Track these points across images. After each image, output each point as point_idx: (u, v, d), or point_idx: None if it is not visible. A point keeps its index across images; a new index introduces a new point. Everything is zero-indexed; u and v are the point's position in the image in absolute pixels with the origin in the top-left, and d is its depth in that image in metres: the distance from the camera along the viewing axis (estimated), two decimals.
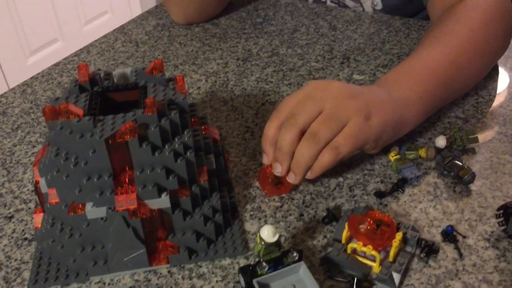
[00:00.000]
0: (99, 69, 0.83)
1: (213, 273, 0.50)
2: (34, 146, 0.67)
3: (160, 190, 0.48)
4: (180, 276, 0.50)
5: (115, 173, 0.48)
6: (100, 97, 0.52)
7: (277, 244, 0.46)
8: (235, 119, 0.71)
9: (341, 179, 0.61)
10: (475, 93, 0.73)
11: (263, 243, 0.45)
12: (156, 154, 0.48)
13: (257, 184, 0.60)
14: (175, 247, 0.50)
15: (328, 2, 1.00)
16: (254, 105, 0.74)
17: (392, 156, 0.62)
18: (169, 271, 0.50)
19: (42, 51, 2.45)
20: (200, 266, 0.51)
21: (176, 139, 0.49)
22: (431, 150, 0.62)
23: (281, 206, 0.57)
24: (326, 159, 0.54)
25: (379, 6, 0.93)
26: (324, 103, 0.55)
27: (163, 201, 0.48)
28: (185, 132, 0.50)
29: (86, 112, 0.48)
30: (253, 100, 0.75)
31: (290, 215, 0.56)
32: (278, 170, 0.56)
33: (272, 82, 0.78)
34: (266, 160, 0.58)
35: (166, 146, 0.48)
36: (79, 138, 0.46)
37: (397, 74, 0.63)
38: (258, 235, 0.46)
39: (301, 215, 0.56)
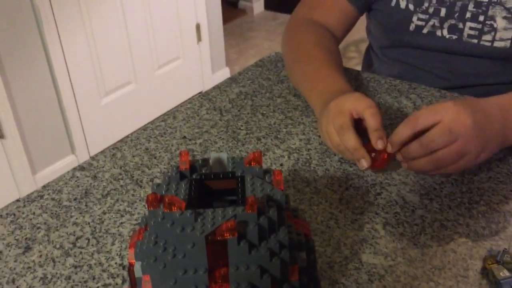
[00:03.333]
0: (184, 136, 0.85)
1: None
2: (122, 216, 0.68)
3: None
4: None
5: (210, 268, 0.47)
6: (198, 184, 0.53)
7: None
8: (319, 203, 0.70)
9: (432, 284, 0.58)
10: None
11: None
12: (253, 252, 0.47)
13: (343, 280, 0.58)
14: None
15: (465, 37, 0.97)
16: (338, 189, 0.72)
17: (489, 264, 0.58)
18: None
19: (116, 92, 2.58)
20: None
21: (272, 237, 0.48)
22: None
23: None
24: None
25: None
26: (456, 139, 0.66)
27: None
28: (281, 230, 0.49)
29: (186, 201, 0.49)
30: (336, 183, 0.74)
31: None
32: (380, 146, 0.71)
33: (355, 164, 0.77)
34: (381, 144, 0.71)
35: (262, 245, 0.48)
36: (180, 231, 0.47)
37: None
38: None
39: None
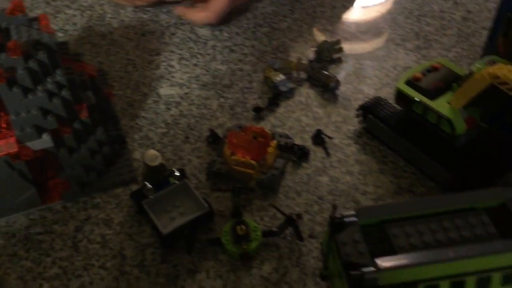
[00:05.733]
0: None
1: (107, 202, 0.53)
2: None
3: (40, 131, 0.49)
4: (75, 209, 0.52)
5: None
6: None
7: (161, 167, 0.49)
8: (116, 52, 0.71)
9: (222, 99, 0.64)
10: (342, 5, 0.79)
11: (147, 167, 0.49)
12: (30, 96, 0.48)
13: (143, 113, 0.63)
14: (66, 183, 0.52)
15: None
16: (134, 37, 0.74)
17: (267, 72, 0.66)
18: (63, 207, 0.53)
19: None
20: (94, 198, 0.53)
21: (48, 79, 0.49)
22: (302, 63, 0.67)
23: (167, 132, 0.60)
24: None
25: None
26: None
27: (44, 141, 0.49)
28: (57, 71, 0.50)
29: None
30: (132, 32, 0.75)
31: (177, 139, 0.60)
32: None
33: (149, 11, 0.78)
34: None
35: (39, 87, 0.49)
36: None
37: None
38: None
39: (187, 137, 0.60)
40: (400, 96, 0.55)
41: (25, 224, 0.51)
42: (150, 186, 0.48)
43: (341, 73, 0.67)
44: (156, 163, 0.48)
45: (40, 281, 0.47)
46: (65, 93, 0.50)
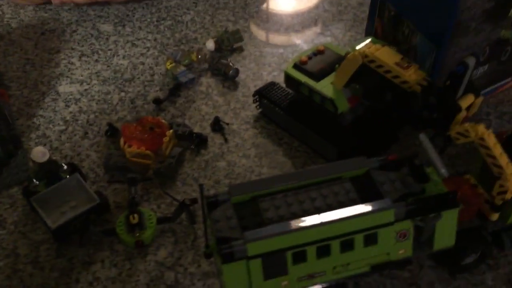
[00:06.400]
0: None
1: (0, 202, 0.52)
2: None
3: None
4: None
5: None
6: None
7: (50, 163, 0.49)
8: (14, 53, 0.70)
9: (123, 94, 0.65)
10: None
11: (36, 164, 0.49)
12: None
13: (41, 112, 0.62)
14: None
15: None
16: (34, 36, 0.73)
17: (168, 65, 0.67)
18: None
19: None
20: None
21: None
22: (203, 53, 0.68)
23: (65, 129, 0.60)
24: None
25: None
26: None
27: None
28: None
29: None
30: (31, 31, 0.73)
31: (75, 135, 0.59)
32: None
33: (51, 9, 0.77)
34: None
35: None
36: None
37: None
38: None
39: (86, 133, 0.60)
40: (289, 79, 0.57)
41: None
42: (37, 182, 0.48)
43: (242, 61, 0.69)
44: (44, 159, 0.48)
45: None
46: None
